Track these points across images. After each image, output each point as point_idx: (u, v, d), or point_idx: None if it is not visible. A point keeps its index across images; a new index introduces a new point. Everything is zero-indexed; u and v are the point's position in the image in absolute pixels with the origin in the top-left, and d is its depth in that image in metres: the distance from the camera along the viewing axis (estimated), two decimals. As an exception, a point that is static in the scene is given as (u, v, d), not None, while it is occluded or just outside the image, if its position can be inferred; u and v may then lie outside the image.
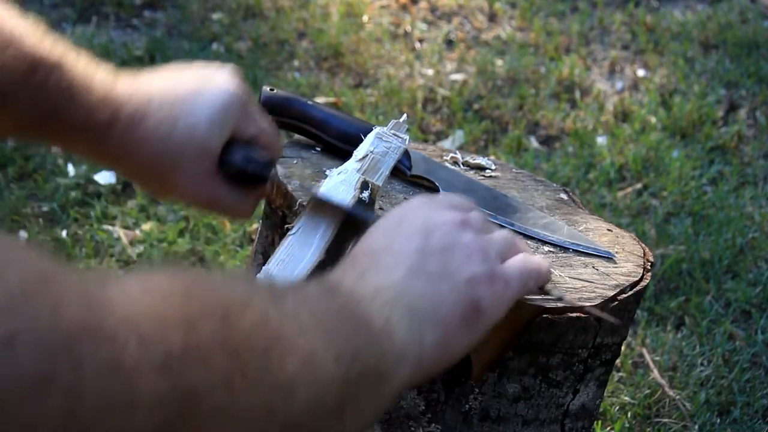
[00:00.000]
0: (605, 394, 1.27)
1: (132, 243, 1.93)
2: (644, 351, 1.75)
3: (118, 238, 1.93)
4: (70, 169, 2.10)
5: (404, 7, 2.95)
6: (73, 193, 2.03)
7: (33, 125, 0.91)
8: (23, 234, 1.94)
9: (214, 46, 2.67)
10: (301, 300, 0.63)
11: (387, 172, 0.93)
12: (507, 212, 1.00)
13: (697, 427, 1.60)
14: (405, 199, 0.99)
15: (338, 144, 1.03)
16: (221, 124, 0.92)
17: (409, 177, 1.02)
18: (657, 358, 1.73)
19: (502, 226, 0.95)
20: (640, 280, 0.92)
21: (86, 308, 0.46)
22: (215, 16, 2.81)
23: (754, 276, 1.94)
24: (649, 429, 1.61)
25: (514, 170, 1.13)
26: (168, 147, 0.91)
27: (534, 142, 2.40)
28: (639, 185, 2.23)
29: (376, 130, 0.98)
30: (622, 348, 1.14)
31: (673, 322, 1.82)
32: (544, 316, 0.83)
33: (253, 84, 2.33)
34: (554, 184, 1.12)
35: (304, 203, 0.90)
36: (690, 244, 1.99)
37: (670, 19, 2.95)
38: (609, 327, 0.88)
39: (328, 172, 0.94)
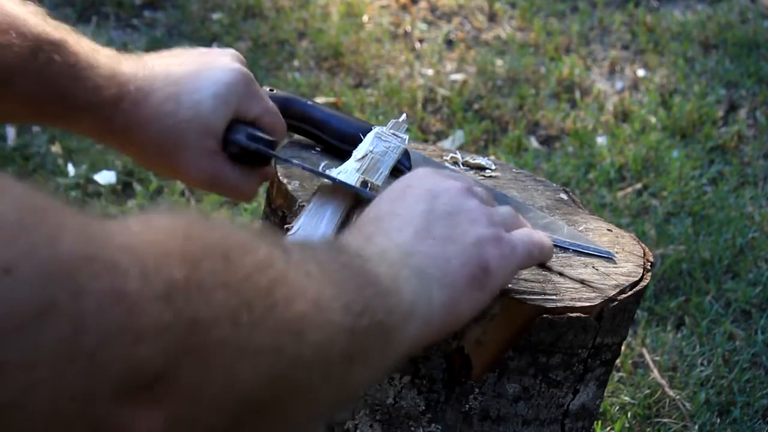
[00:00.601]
0: (605, 394, 1.27)
1: (132, 243, 1.93)
2: (644, 351, 1.75)
3: (118, 238, 1.93)
4: (70, 168, 2.10)
5: (404, 7, 2.95)
6: (73, 193, 2.03)
7: (39, 104, 0.91)
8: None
9: (214, 46, 2.67)
10: (308, 253, 0.62)
11: (387, 172, 0.93)
12: (507, 212, 1.00)
13: (697, 427, 1.59)
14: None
15: (338, 144, 1.03)
16: (225, 102, 0.93)
17: (409, 177, 1.02)
18: (657, 358, 1.72)
19: None
20: (640, 280, 0.92)
21: (86, 238, 0.46)
22: (215, 16, 2.81)
23: (754, 276, 1.93)
24: (649, 429, 1.60)
25: (514, 170, 1.13)
26: (173, 123, 0.91)
27: (534, 142, 2.40)
28: (639, 185, 2.23)
29: (376, 129, 0.98)
30: (622, 348, 1.14)
31: (673, 322, 1.82)
32: (544, 316, 0.83)
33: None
34: (554, 184, 1.12)
35: (304, 203, 0.90)
36: (690, 244, 1.99)
37: (670, 19, 2.95)
38: (609, 327, 0.88)
39: (327, 172, 0.94)
